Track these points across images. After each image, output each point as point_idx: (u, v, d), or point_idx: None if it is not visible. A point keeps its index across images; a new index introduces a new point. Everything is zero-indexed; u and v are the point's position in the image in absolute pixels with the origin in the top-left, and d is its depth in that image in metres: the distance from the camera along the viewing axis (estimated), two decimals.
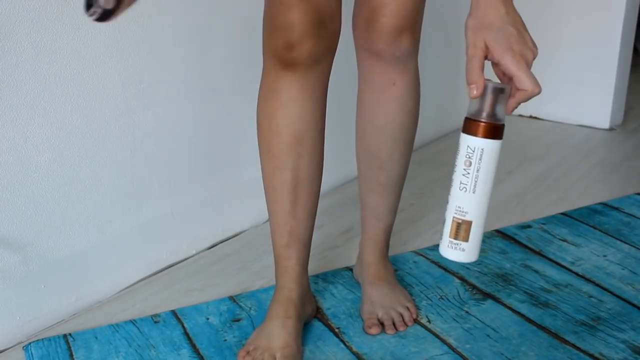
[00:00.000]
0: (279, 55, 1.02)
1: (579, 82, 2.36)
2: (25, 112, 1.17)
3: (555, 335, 1.19)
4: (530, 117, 2.50)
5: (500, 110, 0.84)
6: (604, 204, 1.71)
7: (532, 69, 0.84)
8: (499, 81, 0.86)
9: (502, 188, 1.85)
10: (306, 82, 1.04)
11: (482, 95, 0.83)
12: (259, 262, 1.47)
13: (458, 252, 0.87)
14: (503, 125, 0.84)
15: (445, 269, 1.41)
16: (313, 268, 1.29)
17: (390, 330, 1.20)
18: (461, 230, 0.86)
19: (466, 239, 0.86)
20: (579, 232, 1.57)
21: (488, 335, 1.19)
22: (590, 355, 1.13)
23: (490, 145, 0.84)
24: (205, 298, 1.34)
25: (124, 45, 1.30)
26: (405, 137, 1.19)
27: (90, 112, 1.27)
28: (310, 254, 1.19)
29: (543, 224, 1.61)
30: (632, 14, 2.27)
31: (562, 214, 1.66)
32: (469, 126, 0.84)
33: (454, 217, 0.86)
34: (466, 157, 0.84)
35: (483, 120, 0.83)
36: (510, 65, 0.82)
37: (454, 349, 1.15)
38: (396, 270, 1.38)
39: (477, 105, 0.84)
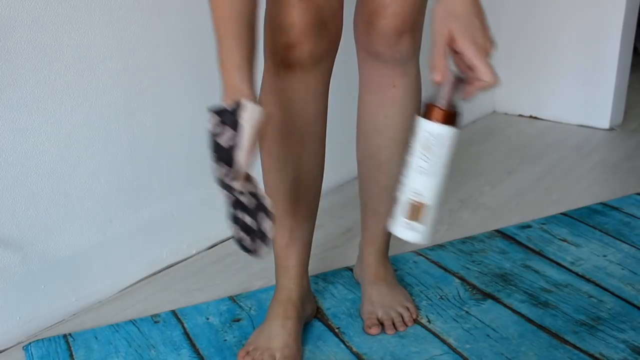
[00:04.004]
0: (279, 55, 1.02)
1: (579, 82, 2.36)
2: (25, 112, 1.17)
3: (555, 335, 1.19)
4: (530, 117, 2.50)
5: (459, 98, 0.87)
6: (604, 204, 1.71)
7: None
8: (458, 69, 0.89)
9: (502, 188, 1.85)
10: (307, 82, 1.04)
11: (445, 83, 0.85)
12: (259, 262, 1.47)
13: (412, 232, 0.90)
14: (460, 113, 0.88)
15: (445, 269, 1.41)
16: (313, 268, 1.29)
17: (390, 331, 1.20)
18: (416, 212, 0.89)
19: (421, 221, 0.89)
20: (579, 232, 1.57)
21: (488, 335, 1.19)
22: (590, 355, 1.13)
23: (449, 132, 0.87)
24: (205, 298, 1.34)
25: (124, 45, 1.30)
26: (405, 139, 1.19)
27: (90, 112, 1.27)
28: (311, 254, 1.19)
29: (543, 224, 1.61)
30: (632, 14, 2.27)
31: (562, 214, 1.66)
32: (430, 112, 0.87)
33: (410, 199, 0.88)
34: (425, 141, 0.87)
35: (443, 107, 0.86)
36: (473, 56, 0.85)
37: (454, 349, 1.15)
38: (396, 270, 1.38)
39: (439, 92, 0.86)
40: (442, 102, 0.86)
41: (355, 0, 1.11)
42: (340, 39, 1.06)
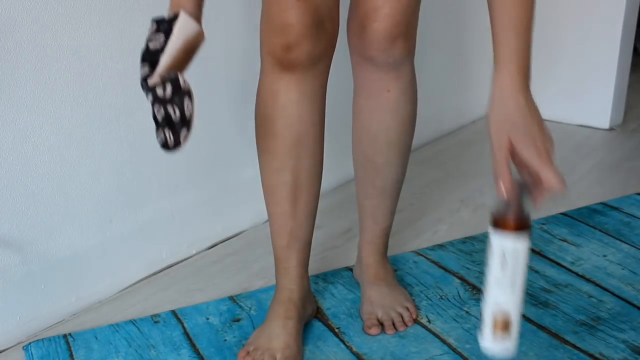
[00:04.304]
0: (277, 56, 1.01)
1: (579, 82, 2.36)
2: (25, 112, 1.17)
3: (555, 335, 1.19)
4: None
5: (527, 206, 0.84)
6: (604, 204, 1.71)
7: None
8: (518, 173, 0.87)
9: None
10: (305, 83, 1.04)
11: (511, 193, 0.83)
12: (259, 262, 1.47)
13: (501, 346, 0.88)
14: (530, 221, 0.85)
15: (445, 269, 1.41)
16: (313, 268, 1.29)
17: (389, 331, 1.20)
18: (500, 325, 0.87)
19: (508, 333, 0.87)
20: (579, 232, 1.57)
21: None
22: (590, 355, 1.13)
23: (522, 243, 0.84)
24: (205, 298, 1.34)
25: (124, 45, 1.30)
26: (401, 142, 1.18)
27: (90, 112, 1.27)
28: (311, 254, 1.18)
29: (543, 224, 1.61)
30: (632, 14, 2.27)
31: (562, 214, 1.66)
32: (500, 224, 0.84)
33: (493, 313, 0.87)
34: (499, 254, 0.85)
35: (513, 218, 0.84)
36: (537, 162, 0.83)
37: (454, 349, 1.15)
38: (396, 270, 1.38)
39: (506, 203, 0.84)
40: (511, 213, 0.83)
41: (349, 5, 1.10)
42: (337, 37, 1.06)
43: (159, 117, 0.91)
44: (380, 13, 1.05)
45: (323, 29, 1.01)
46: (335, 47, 1.06)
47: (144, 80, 0.90)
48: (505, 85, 0.86)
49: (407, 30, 1.07)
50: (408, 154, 1.22)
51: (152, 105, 0.91)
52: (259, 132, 1.10)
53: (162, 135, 0.91)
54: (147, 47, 0.90)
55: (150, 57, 0.89)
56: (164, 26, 0.89)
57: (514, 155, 0.85)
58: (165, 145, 0.91)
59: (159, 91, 0.89)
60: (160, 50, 0.89)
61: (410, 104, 1.16)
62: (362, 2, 1.06)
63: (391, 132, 1.16)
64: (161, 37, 0.89)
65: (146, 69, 0.89)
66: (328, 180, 1.65)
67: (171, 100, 0.90)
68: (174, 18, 0.89)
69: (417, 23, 1.11)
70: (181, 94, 0.90)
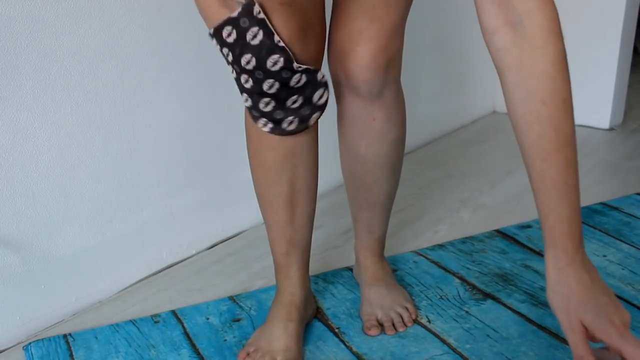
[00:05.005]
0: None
1: (579, 82, 2.34)
2: (25, 112, 1.17)
3: (555, 335, 1.19)
4: None
5: None
6: (604, 204, 1.71)
7: None
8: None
9: (502, 188, 1.85)
10: None
11: None
12: (259, 262, 1.47)
13: None
14: None
15: (445, 269, 1.41)
16: (313, 268, 1.29)
17: (389, 331, 1.20)
18: None
19: None
20: None
21: (488, 335, 1.19)
22: None
23: None
24: (205, 298, 1.34)
25: (124, 45, 1.30)
26: (390, 163, 1.16)
27: (90, 112, 1.27)
28: (311, 254, 1.18)
29: None
30: (632, 14, 2.27)
31: None
32: None
33: None
34: None
35: None
36: (620, 343, 0.77)
37: (454, 349, 1.15)
38: (396, 270, 1.38)
39: None
40: None
41: (329, 28, 1.05)
42: (326, 39, 1.02)
43: (293, 110, 0.96)
44: (365, 35, 1.00)
45: (312, 30, 0.96)
46: (324, 50, 1.02)
47: (284, 68, 0.91)
48: (564, 266, 0.81)
49: (391, 55, 1.03)
50: (399, 171, 1.19)
51: (281, 96, 0.94)
52: (251, 144, 1.07)
53: (300, 116, 0.97)
54: (252, 47, 0.89)
55: (266, 48, 0.89)
56: (244, 22, 0.88)
57: (588, 334, 0.79)
58: (302, 123, 0.99)
59: (297, 76, 0.93)
60: (271, 33, 0.89)
61: (397, 127, 1.13)
62: (345, 22, 1.02)
63: (380, 157, 1.13)
64: (253, 29, 0.88)
65: (276, 57, 0.90)
66: (328, 180, 1.65)
67: (305, 89, 0.94)
68: (244, 10, 0.88)
69: (403, 46, 1.06)
70: (316, 85, 0.95)
